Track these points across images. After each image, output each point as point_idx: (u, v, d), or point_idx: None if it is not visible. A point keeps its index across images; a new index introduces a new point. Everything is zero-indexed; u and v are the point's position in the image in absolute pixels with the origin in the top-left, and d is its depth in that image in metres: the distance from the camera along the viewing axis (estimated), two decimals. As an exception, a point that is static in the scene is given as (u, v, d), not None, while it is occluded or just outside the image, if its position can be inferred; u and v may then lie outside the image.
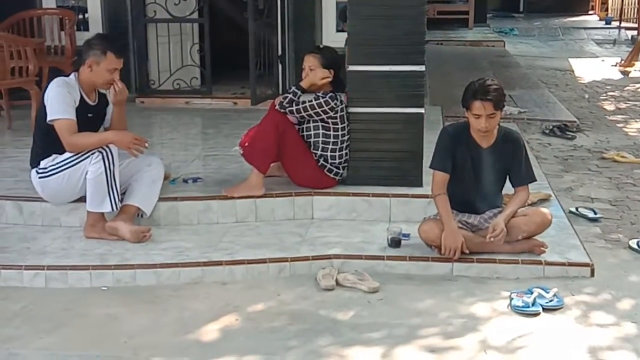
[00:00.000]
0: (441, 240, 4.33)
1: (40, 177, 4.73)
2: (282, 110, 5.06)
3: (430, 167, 4.51)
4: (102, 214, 4.68)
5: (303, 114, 5.07)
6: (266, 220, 5.03)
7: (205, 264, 4.40)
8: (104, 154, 4.54)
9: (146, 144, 4.73)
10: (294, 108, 5.04)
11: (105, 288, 4.27)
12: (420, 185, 5.10)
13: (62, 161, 4.64)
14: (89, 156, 4.55)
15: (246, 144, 5.16)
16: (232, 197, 5.03)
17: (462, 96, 4.38)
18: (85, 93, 4.73)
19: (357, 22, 5.11)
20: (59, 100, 4.57)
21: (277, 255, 4.51)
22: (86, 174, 4.58)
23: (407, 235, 4.64)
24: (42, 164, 4.71)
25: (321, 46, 5.53)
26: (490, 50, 14.16)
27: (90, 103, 4.76)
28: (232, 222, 5.00)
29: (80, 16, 8.51)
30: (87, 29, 8.45)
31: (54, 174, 4.67)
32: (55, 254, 4.49)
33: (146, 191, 4.82)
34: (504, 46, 14.58)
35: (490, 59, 12.94)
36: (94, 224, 4.68)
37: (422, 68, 5.05)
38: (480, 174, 4.45)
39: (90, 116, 4.74)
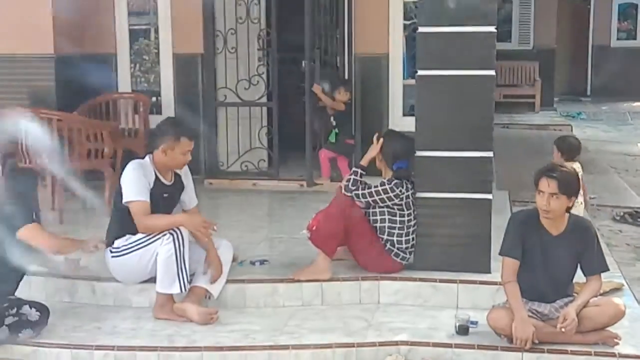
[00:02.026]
0: (511, 329, 4.26)
1: (113, 257, 4.85)
2: (349, 194, 5.12)
3: (500, 253, 4.47)
4: (172, 295, 4.74)
5: (369, 199, 5.12)
6: (332, 304, 5.04)
7: (272, 347, 4.41)
8: (175, 235, 4.63)
9: (215, 227, 4.82)
10: (360, 192, 5.09)
11: (173, 369, 4.30)
12: (488, 271, 5.05)
13: (135, 242, 4.75)
14: (160, 238, 4.65)
15: (314, 228, 5.20)
16: (299, 280, 5.05)
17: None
18: (161, 174, 4.87)
19: (425, 108, 5.17)
20: (134, 183, 4.72)
21: (343, 340, 4.50)
22: (157, 255, 4.67)
23: (475, 323, 4.58)
24: (116, 243, 4.83)
25: (393, 131, 5.61)
26: (557, 134, 13.99)
27: (166, 183, 4.91)
28: (298, 305, 5.02)
29: (154, 99, 8.80)
30: (159, 112, 8.70)
31: (126, 253, 4.78)
32: (124, 334, 4.56)
33: None
34: (572, 130, 14.45)
35: (558, 143, 12.83)
36: (163, 304, 4.74)
37: (490, 154, 5.06)
38: (551, 262, 4.38)
39: (165, 196, 4.89)
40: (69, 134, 6.70)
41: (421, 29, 5.07)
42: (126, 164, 4.96)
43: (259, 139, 8.65)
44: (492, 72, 5.01)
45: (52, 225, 6.55)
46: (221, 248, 4.97)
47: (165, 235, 4.65)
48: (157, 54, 8.86)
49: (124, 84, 8.83)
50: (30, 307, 4.50)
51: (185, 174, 5.10)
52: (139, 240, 4.75)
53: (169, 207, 4.91)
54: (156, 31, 8.88)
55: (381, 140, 5.19)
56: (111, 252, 4.87)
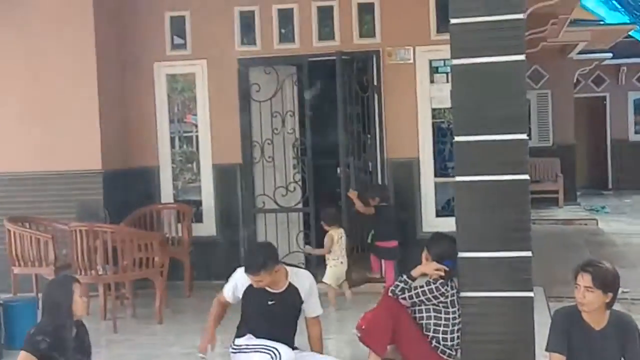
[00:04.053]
0: (561, 422, 4.40)
1: (232, 352, 5.29)
2: (395, 297, 5.37)
3: (546, 349, 4.64)
4: None
5: (415, 299, 5.36)
6: (384, 403, 5.21)
7: None
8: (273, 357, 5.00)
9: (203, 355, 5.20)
10: (407, 295, 5.35)
11: None
12: (533, 367, 5.22)
13: (250, 345, 5.13)
14: (260, 352, 5.04)
15: (363, 327, 5.45)
16: (352, 380, 5.26)
17: None
18: None
19: (464, 212, 5.45)
20: (229, 282, 5.26)
21: None
22: None
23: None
24: (236, 341, 5.25)
25: (439, 233, 5.84)
26: (583, 229, 14.28)
27: (272, 291, 5.16)
28: (351, 404, 5.20)
29: (195, 208, 9.15)
30: (201, 220, 9.09)
31: (236, 352, 5.23)
32: None
33: None
34: (597, 224, 14.69)
35: (585, 237, 13.04)
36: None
37: (529, 254, 5.30)
38: (595, 356, 4.56)
39: (271, 303, 5.16)
40: (121, 245, 7.03)
41: (457, 138, 5.40)
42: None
43: (297, 243, 8.95)
44: (525, 177, 5.31)
45: (105, 334, 6.85)
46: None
47: (268, 353, 5.02)
48: (198, 164, 9.30)
49: (167, 194, 9.22)
50: None
51: (303, 285, 5.30)
52: (253, 344, 5.12)
53: (275, 313, 5.19)
54: (196, 141, 9.35)
55: (434, 264, 5.44)
56: (232, 347, 5.31)
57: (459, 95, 5.47)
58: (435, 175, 8.89)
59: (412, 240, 8.37)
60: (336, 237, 7.80)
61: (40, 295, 5.65)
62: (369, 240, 8.54)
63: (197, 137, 9.38)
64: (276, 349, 5.03)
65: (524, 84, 5.49)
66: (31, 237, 7.63)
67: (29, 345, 4.24)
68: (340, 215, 8.08)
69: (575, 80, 18.57)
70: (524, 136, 5.33)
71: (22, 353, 4.24)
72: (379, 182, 8.90)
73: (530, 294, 5.33)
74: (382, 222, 8.42)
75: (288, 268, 5.29)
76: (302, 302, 5.28)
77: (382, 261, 8.40)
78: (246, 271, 5.09)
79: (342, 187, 8.50)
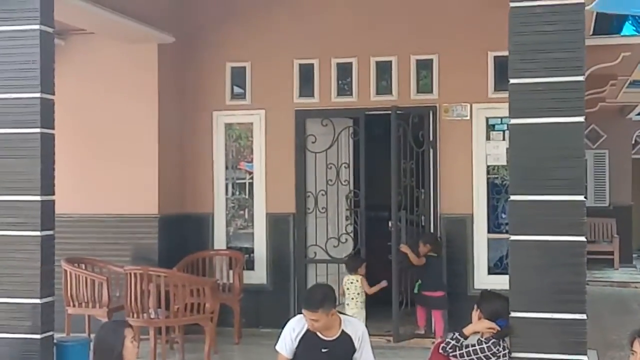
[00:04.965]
0: None
1: None
2: (445, 354, 5.31)
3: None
4: None
5: (466, 357, 5.29)
6: None
7: None
8: None
9: None
10: (457, 353, 5.29)
11: None
12: None
13: None
14: None
15: (412, 385, 5.40)
16: None
17: None
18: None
19: (518, 271, 5.40)
20: (282, 335, 5.14)
21: None
22: None
23: None
24: None
25: (490, 291, 5.79)
26: (639, 292, 13.96)
27: (325, 338, 5.11)
28: None
29: (247, 256, 9.22)
30: (252, 268, 9.15)
31: None
32: None
33: None
34: (653, 288, 14.36)
35: (640, 301, 12.76)
36: None
37: (584, 316, 5.22)
38: None
39: (324, 351, 5.10)
40: (174, 290, 7.11)
41: (513, 197, 5.38)
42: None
43: (348, 294, 8.94)
44: (582, 238, 5.26)
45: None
46: None
47: None
48: (250, 211, 9.39)
49: (219, 241, 9.31)
50: None
51: (356, 333, 5.23)
52: None
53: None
54: (249, 188, 9.47)
55: (487, 322, 5.37)
56: None
57: (516, 154, 5.46)
58: (489, 232, 8.83)
59: (463, 296, 8.30)
60: (344, 281, 8.22)
61: (92, 336, 5.71)
62: (415, 291, 8.52)
63: (250, 184, 9.48)
64: None
65: (583, 145, 5.47)
66: (86, 279, 7.79)
67: None
68: (356, 263, 8.31)
69: (633, 141, 18.35)
70: (581, 197, 5.28)
71: None
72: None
73: (584, 358, 5.23)
74: (430, 272, 8.44)
75: (341, 316, 5.29)
76: (354, 351, 5.25)
77: (431, 312, 8.36)
78: (305, 307, 5.05)
79: (393, 240, 8.49)
